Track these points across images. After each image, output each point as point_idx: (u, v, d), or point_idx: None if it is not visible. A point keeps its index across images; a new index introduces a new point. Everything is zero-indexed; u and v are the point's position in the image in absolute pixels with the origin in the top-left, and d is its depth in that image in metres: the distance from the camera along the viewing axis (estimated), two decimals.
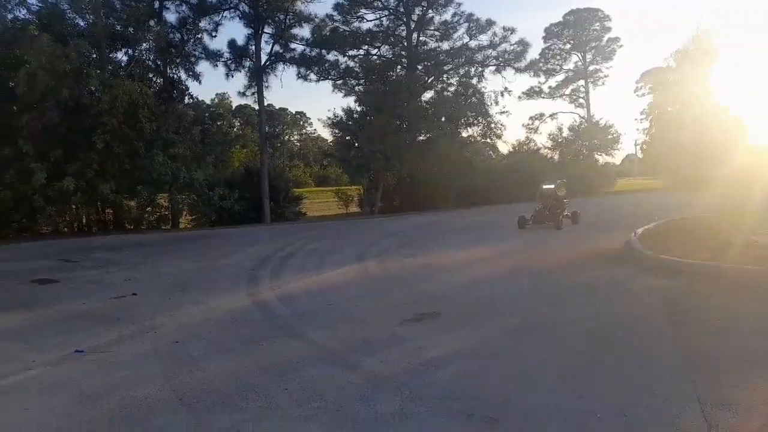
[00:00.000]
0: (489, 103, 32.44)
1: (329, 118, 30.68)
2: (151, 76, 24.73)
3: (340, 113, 30.19)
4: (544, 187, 16.97)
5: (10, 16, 21.01)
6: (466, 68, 33.08)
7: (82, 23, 22.14)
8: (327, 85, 33.26)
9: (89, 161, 17.72)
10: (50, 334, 6.79)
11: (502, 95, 33.43)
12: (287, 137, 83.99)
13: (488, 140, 34.25)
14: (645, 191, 33.32)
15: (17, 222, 18.21)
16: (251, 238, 16.88)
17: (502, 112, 37.24)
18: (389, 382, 4.82)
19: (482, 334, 6.26)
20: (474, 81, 32.94)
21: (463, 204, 28.89)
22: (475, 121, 32.55)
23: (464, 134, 33.05)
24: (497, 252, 12.21)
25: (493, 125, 32.83)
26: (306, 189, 49.56)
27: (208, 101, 35.65)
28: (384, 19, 32.23)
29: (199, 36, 26.07)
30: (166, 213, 23.70)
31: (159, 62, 25.03)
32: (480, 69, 33.19)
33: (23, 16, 21.29)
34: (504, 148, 38.38)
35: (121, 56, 24.17)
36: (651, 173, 39.05)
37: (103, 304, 8.37)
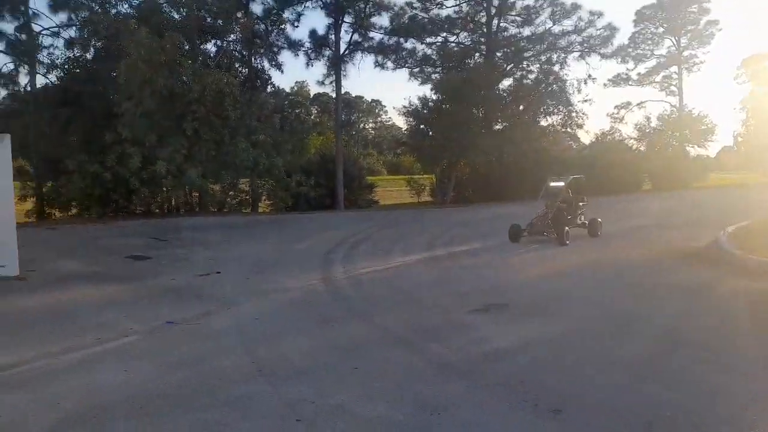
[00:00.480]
0: (571, 91, 31.22)
1: (404, 107, 30.72)
2: (237, 66, 25.93)
3: (416, 102, 30.17)
4: (552, 184, 13.38)
5: (113, 11, 22.78)
6: (548, 55, 31.96)
7: (176, 16, 23.59)
8: (403, 73, 33.23)
9: (179, 147, 18.95)
10: (145, 306, 7.45)
11: (586, 83, 31.96)
12: (362, 125, 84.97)
13: (569, 130, 33.07)
14: (736, 186, 31.01)
15: (115, 202, 19.87)
16: (325, 224, 17.45)
17: (585, 101, 35.63)
18: (454, 368, 4.95)
19: (550, 327, 6.22)
20: (556, 68, 31.77)
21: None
22: (556, 110, 31.46)
23: (543, 123, 32.11)
24: (573, 246, 11.91)
25: (574, 114, 31.59)
26: (379, 177, 50.14)
27: (287, 89, 36.73)
28: (464, 4, 31.74)
29: (282, 27, 26.96)
30: (247, 197, 24.89)
31: (244, 52, 26.18)
32: (563, 55, 31.95)
33: (125, 11, 23.04)
34: (586, 138, 36.91)
35: (210, 47, 25.56)
36: (748, 167, 36.23)
37: (190, 281, 9.04)
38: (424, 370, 4.95)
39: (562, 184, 13.20)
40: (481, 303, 7.22)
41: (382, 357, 5.28)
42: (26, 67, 22.78)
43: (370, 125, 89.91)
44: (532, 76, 31.77)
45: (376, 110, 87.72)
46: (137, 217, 19.52)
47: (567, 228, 12.20)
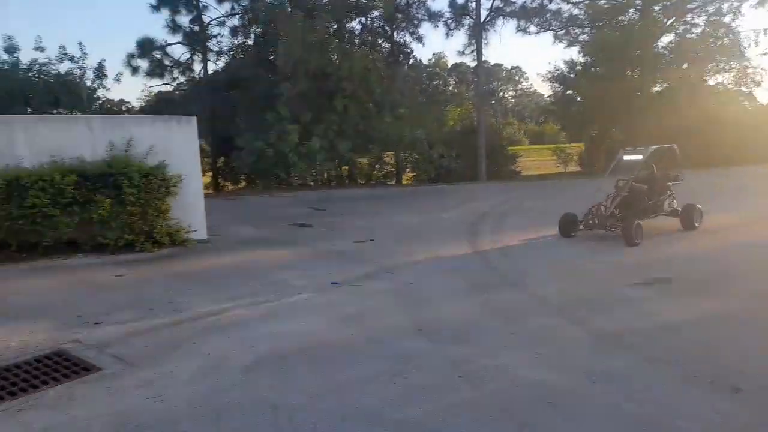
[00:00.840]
0: (746, 44, 27.36)
1: (548, 72, 29.45)
2: (380, 42, 26.63)
3: (561, 66, 28.74)
4: (626, 157, 10.37)
5: None
6: (717, 4, 28.21)
7: None
8: (547, 36, 31.59)
9: (330, 123, 20.21)
10: (312, 268, 8.22)
11: (765, 33, 27.76)
12: (501, 94, 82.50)
13: (743, 89, 29.10)
14: None
15: (277, 175, 21.81)
16: (468, 195, 17.50)
17: (765, 54, 31.05)
18: (619, 340, 4.86)
19: (722, 303, 5.78)
20: (727, 19, 27.97)
21: (705, 164, 25.35)
22: (727, 67, 27.86)
23: (711, 83, 28.61)
24: (743, 219, 10.70)
25: (750, 70, 27.73)
26: (520, 147, 48.54)
27: (425, 61, 36.82)
28: None
29: None
30: (392, 170, 25.84)
31: (387, 28, 26.76)
32: (735, 4, 28.00)
33: None
34: (765, 97, 32.20)
35: (355, 25, 26.52)
36: None
37: (348, 247, 9.76)
38: (586, 340, 4.93)
39: (640, 157, 10.07)
40: (643, 276, 6.90)
41: (541, 325, 5.35)
42: (199, 55, 25.65)
43: (510, 93, 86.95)
44: (697, 30, 28.33)
45: (516, 77, 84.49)
46: (295, 189, 21.27)
47: (638, 221, 9.11)
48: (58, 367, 4.63)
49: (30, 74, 20.46)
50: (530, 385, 4.02)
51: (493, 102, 69.24)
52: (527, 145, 59.26)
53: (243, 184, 23.20)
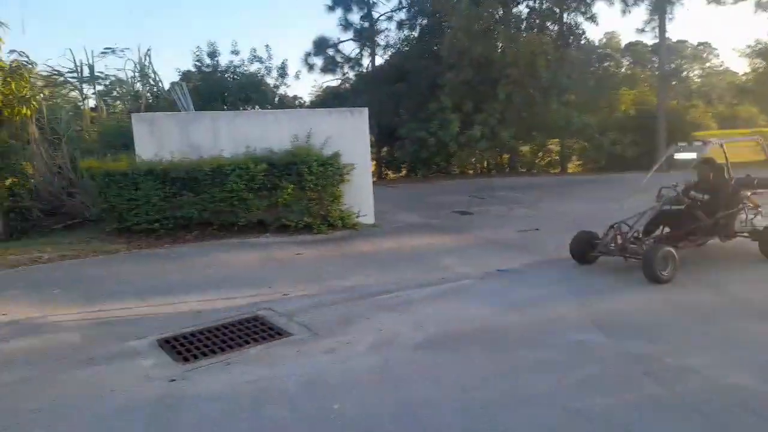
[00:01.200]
0: None
1: (748, 46, 25.76)
2: (548, 24, 25.39)
3: (765, 38, 24.92)
4: (677, 155, 7.59)
5: None
6: None
7: None
8: (746, 6, 27.48)
9: (492, 111, 19.87)
10: (475, 255, 8.24)
11: None
12: (685, 73, 73.64)
13: None
14: None
15: (437, 164, 22.14)
16: (643, 185, 16.03)
17: None
18: None
19: None
20: None
21: None
22: None
23: None
24: None
25: None
26: (707, 132, 42.97)
27: (596, 42, 34.20)
28: None
29: None
30: (556, 158, 24.64)
31: (557, 9, 25.41)
32: None
33: None
34: None
35: (522, 9, 25.59)
36: None
37: (511, 235, 9.58)
38: None
39: (693, 155, 7.28)
40: None
41: (739, 327, 4.78)
42: (368, 50, 26.90)
43: (696, 72, 77.26)
44: None
45: (704, 54, 74.73)
46: (454, 177, 21.40)
47: (670, 248, 6.30)
48: (256, 330, 5.29)
49: (226, 75, 23.36)
50: (726, 389, 3.63)
51: (674, 83, 62.23)
52: (716, 130, 52.31)
53: (403, 172, 23.91)
